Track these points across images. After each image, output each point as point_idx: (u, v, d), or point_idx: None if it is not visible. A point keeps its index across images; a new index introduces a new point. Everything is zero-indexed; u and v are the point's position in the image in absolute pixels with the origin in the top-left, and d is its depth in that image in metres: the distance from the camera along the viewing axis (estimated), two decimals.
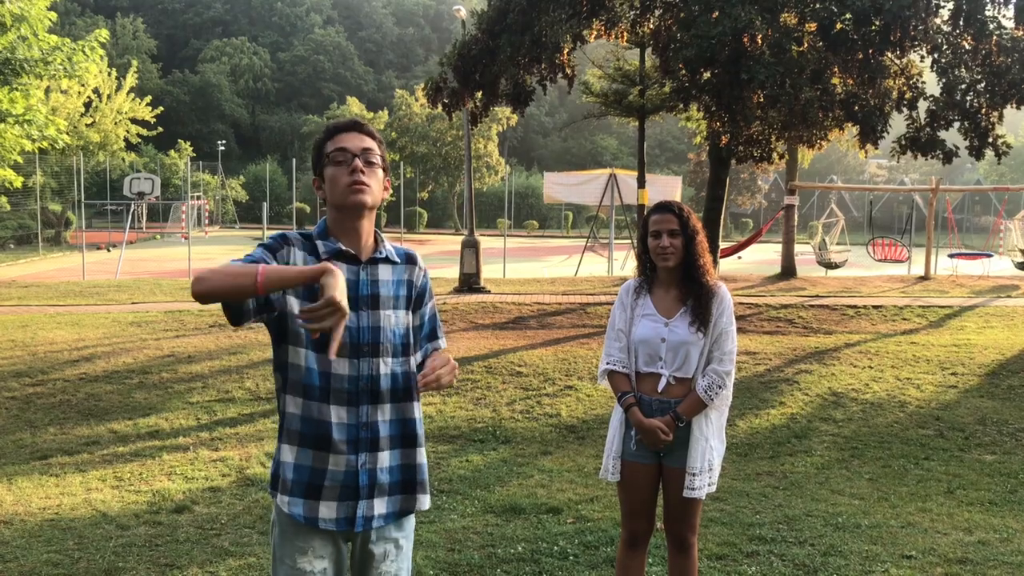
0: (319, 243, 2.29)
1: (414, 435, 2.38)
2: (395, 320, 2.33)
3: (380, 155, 2.33)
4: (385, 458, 2.33)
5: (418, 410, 2.41)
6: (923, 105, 11.33)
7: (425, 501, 2.43)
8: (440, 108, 13.28)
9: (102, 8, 70.27)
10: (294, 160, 35.68)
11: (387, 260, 2.36)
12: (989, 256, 22.38)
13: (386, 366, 2.30)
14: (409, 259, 2.42)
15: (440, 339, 2.50)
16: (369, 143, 2.31)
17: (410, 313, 2.40)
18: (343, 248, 2.28)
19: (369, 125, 2.36)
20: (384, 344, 2.29)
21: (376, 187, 2.29)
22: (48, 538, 4.81)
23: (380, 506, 2.33)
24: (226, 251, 26.52)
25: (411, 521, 2.46)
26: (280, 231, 2.32)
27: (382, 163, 2.33)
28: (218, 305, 2.12)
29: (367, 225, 2.31)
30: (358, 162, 2.25)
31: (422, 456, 2.42)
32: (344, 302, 1.95)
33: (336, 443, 2.26)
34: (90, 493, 5.74)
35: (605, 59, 17.92)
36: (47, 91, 24.96)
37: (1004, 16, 10.95)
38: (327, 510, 2.28)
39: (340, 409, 2.26)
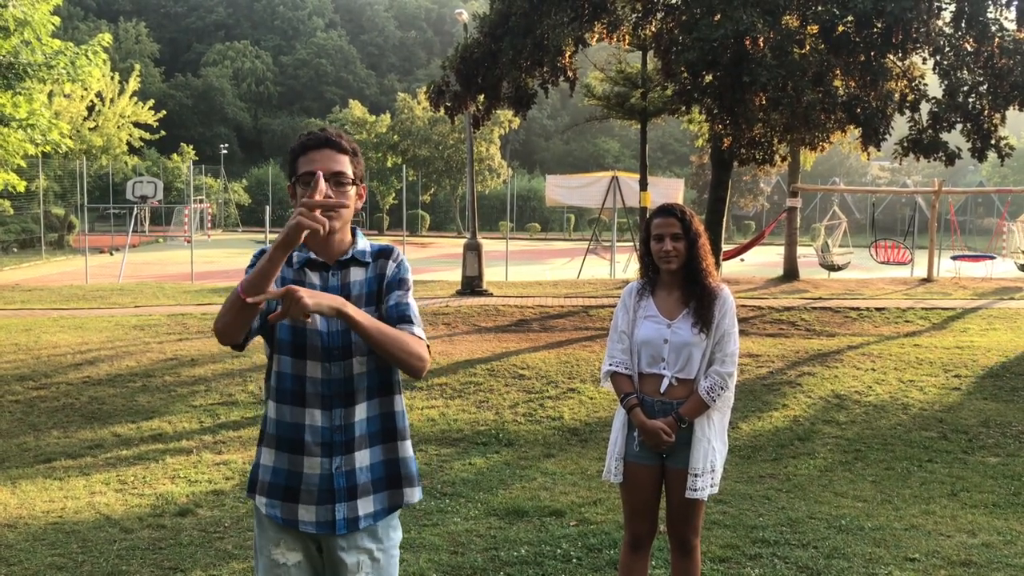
0: (293, 253, 2.31)
1: (396, 429, 2.39)
2: None
3: (353, 172, 2.30)
4: (364, 457, 2.33)
5: (400, 403, 2.41)
6: (925, 107, 11.32)
7: (414, 494, 2.42)
8: (442, 111, 13.29)
9: (105, 12, 70.44)
10: None
11: (357, 261, 2.35)
12: (992, 258, 22.35)
13: (360, 365, 2.31)
14: (381, 254, 2.38)
15: (414, 326, 2.30)
16: (341, 162, 2.28)
17: (382, 307, 2.35)
18: (313, 257, 2.31)
19: (342, 138, 2.31)
20: (356, 344, 2.30)
21: (346, 210, 2.29)
22: (52, 541, 4.82)
23: (364, 506, 2.34)
24: (228, 254, 26.58)
25: (391, 535, 2.42)
26: (261, 247, 2.33)
27: (355, 178, 2.31)
28: (220, 309, 2.16)
29: (339, 235, 2.32)
30: (327, 189, 2.23)
31: (407, 449, 2.41)
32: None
33: (309, 446, 2.29)
34: (93, 496, 5.75)
35: (607, 62, 17.91)
36: (50, 95, 24.98)
37: (1006, 18, 10.94)
38: (306, 513, 2.32)
39: (314, 412, 2.29)
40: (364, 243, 2.39)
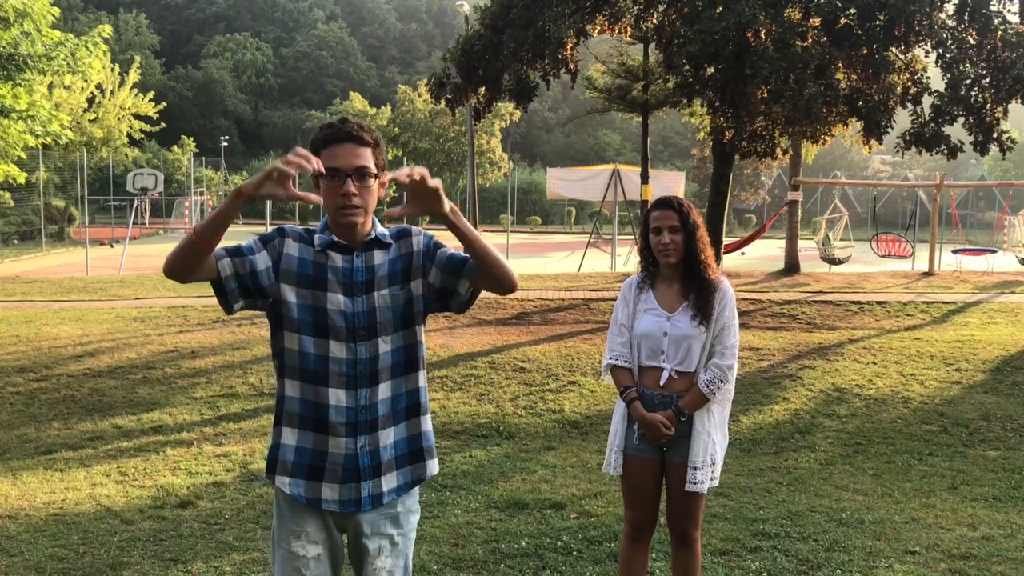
0: (316, 237, 2.35)
1: (419, 404, 2.43)
2: (390, 299, 2.34)
3: (376, 164, 2.29)
4: (388, 435, 2.36)
5: (423, 378, 2.44)
6: (927, 100, 11.29)
7: (434, 466, 2.48)
8: (443, 104, 13.26)
9: (105, 4, 70.28)
10: None
11: (379, 243, 2.37)
12: (993, 252, 22.30)
13: (385, 344, 2.33)
14: (402, 234, 2.42)
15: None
16: (364, 157, 2.26)
17: (411, 285, 2.37)
18: (336, 240, 2.33)
19: (365, 130, 2.30)
20: (381, 324, 2.32)
21: (370, 201, 2.30)
22: (53, 533, 4.83)
23: (389, 481, 2.37)
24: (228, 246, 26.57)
25: (411, 519, 2.46)
26: (280, 226, 2.36)
27: (377, 169, 2.30)
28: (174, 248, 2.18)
29: (362, 224, 2.34)
30: (350, 185, 2.24)
31: (428, 423, 2.47)
32: (273, 170, 2.03)
33: (334, 425, 2.30)
34: (94, 488, 5.76)
35: (608, 54, 17.88)
36: (50, 87, 24.97)
37: (1009, 11, 10.90)
38: (329, 491, 2.33)
39: (339, 392, 2.30)
40: (381, 227, 2.41)
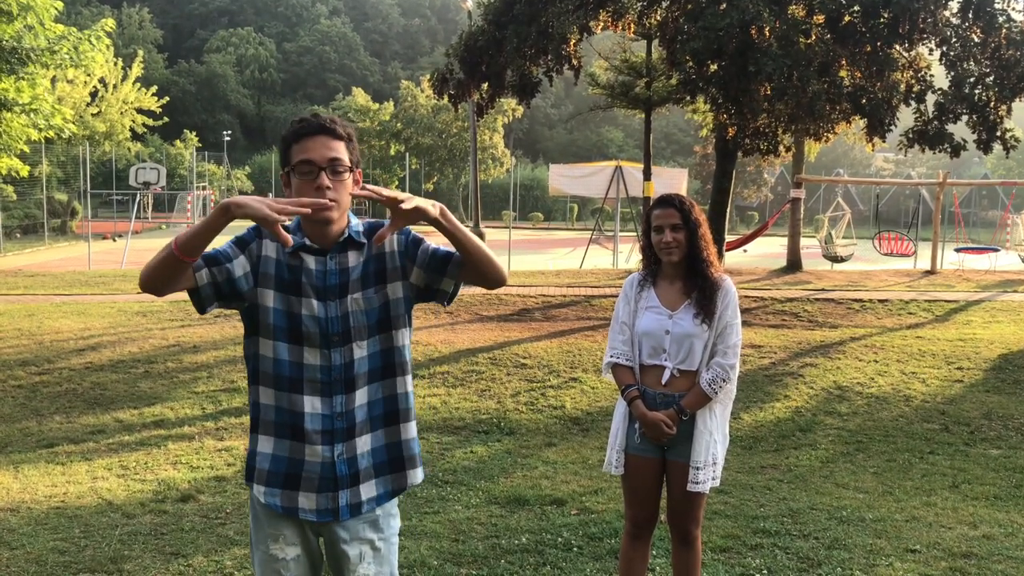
0: (290, 237, 2.26)
1: (399, 411, 2.34)
2: (364, 302, 2.27)
3: (349, 158, 2.22)
4: (365, 442, 2.29)
5: (405, 384, 2.35)
6: (931, 98, 11.28)
7: (418, 475, 2.39)
8: (446, 99, 13.26)
9: None
10: None
11: (354, 243, 2.28)
12: (996, 251, 22.26)
13: (360, 350, 2.26)
14: (375, 232, 2.29)
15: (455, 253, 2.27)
16: (336, 149, 2.19)
17: (387, 288, 2.29)
18: (308, 243, 2.25)
19: (338, 123, 2.23)
20: (355, 329, 2.25)
21: (343, 197, 2.22)
22: (54, 526, 4.83)
23: (368, 490, 2.31)
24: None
25: (391, 523, 2.40)
26: (255, 225, 2.16)
27: (351, 164, 2.22)
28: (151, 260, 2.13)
29: (336, 222, 2.25)
30: (324, 178, 2.16)
31: (410, 431, 2.37)
32: (254, 203, 1.99)
33: (309, 433, 2.24)
34: (96, 482, 5.77)
35: (611, 51, 17.85)
36: (53, 80, 24.96)
37: (1014, 9, 10.89)
38: (306, 500, 2.28)
39: (314, 399, 2.24)
40: (356, 221, 2.32)
